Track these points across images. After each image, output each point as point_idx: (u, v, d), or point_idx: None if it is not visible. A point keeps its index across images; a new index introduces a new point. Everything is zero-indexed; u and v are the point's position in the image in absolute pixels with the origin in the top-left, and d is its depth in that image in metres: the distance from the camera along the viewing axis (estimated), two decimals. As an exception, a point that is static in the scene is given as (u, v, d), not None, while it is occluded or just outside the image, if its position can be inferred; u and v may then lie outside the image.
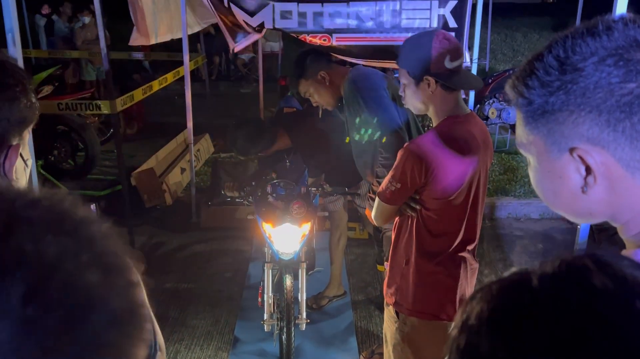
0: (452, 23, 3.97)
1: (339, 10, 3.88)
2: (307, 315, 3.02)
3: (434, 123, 1.96)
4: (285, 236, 2.81)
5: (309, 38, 3.91)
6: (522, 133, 0.81)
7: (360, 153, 2.87)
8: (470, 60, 4.20)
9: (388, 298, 2.12)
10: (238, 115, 7.47)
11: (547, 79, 0.74)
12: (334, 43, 3.91)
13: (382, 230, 3.07)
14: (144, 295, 0.45)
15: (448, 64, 1.86)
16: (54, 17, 10.71)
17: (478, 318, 0.48)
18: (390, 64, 4.02)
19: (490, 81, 7.04)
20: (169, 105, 8.13)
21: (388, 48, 3.67)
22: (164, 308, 3.62)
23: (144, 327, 0.44)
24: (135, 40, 4.69)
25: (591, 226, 3.96)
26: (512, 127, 7.13)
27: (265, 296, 2.97)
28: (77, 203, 0.45)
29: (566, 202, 0.81)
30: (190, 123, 4.98)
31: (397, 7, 3.92)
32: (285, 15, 3.88)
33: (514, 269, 0.51)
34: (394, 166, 1.92)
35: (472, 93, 4.49)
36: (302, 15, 3.87)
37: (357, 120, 2.77)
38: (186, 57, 4.84)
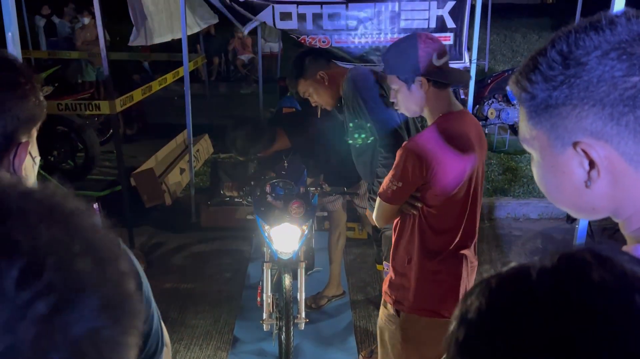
0: (451, 23, 3.98)
1: (338, 12, 3.89)
2: (306, 315, 3.02)
3: (429, 122, 1.98)
4: (284, 235, 2.82)
5: (308, 40, 3.92)
6: (525, 128, 0.81)
7: (360, 153, 2.87)
8: (470, 61, 4.21)
9: (387, 297, 2.12)
10: (237, 115, 7.47)
11: (551, 74, 0.74)
12: (334, 44, 3.92)
13: (381, 229, 3.08)
14: (135, 285, 0.46)
15: (436, 62, 1.90)
16: (54, 17, 10.72)
17: (477, 312, 0.48)
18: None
19: (489, 81, 7.04)
20: (169, 106, 8.13)
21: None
22: (163, 308, 3.62)
23: (135, 315, 0.45)
24: (135, 40, 4.69)
25: (589, 225, 3.97)
26: (511, 128, 7.14)
27: (265, 295, 2.97)
28: (68, 196, 0.46)
29: (569, 197, 0.80)
30: (189, 124, 4.99)
31: (396, 8, 3.93)
32: (285, 16, 3.89)
33: (513, 263, 0.51)
34: (394, 165, 1.93)
35: (471, 94, 4.49)
36: (301, 17, 3.88)
37: (357, 119, 2.77)
38: (186, 58, 4.85)
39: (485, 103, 6.92)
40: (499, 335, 0.46)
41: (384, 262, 3.07)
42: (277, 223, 2.80)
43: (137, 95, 4.50)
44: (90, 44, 8.90)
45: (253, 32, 7.12)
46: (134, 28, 4.60)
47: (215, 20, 6.71)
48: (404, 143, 1.94)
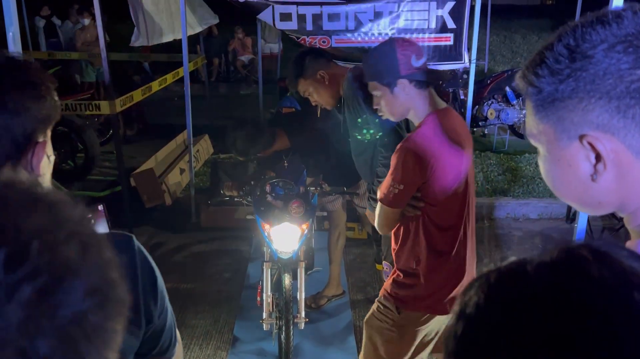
0: (451, 24, 3.99)
1: (338, 13, 3.89)
2: (305, 314, 3.02)
3: (417, 123, 1.99)
4: (284, 235, 2.82)
5: (308, 40, 3.93)
6: (532, 122, 0.81)
7: (360, 153, 2.88)
8: (469, 61, 4.21)
9: (389, 295, 2.12)
10: (237, 116, 7.48)
11: (557, 67, 0.74)
12: (334, 45, 3.93)
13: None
14: (119, 274, 0.46)
15: (415, 63, 1.93)
16: (54, 18, 10.72)
17: (475, 306, 0.49)
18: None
19: (489, 82, 7.05)
20: (169, 107, 8.13)
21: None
22: (163, 308, 3.62)
23: (121, 302, 0.45)
24: (137, 41, 4.70)
25: (589, 225, 3.97)
26: (511, 128, 7.14)
27: (264, 295, 2.98)
28: (51, 188, 0.46)
29: (575, 191, 0.80)
30: (189, 124, 4.99)
31: (396, 9, 3.94)
32: (284, 17, 3.90)
33: (512, 258, 0.51)
34: (391, 169, 1.94)
35: (470, 94, 4.50)
36: (301, 17, 3.89)
37: (357, 119, 2.77)
38: (186, 58, 4.85)
39: (485, 104, 6.92)
40: (497, 330, 0.46)
41: (383, 262, 3.07)
42: (277, 223, 2.80)
43: (137, 95, 4.50)
44: (91, 45, 8.90)
45: (253, 33, 7.13)
46: (135, 28, 4.60)
47: (216, 21, 6.73)
48: (399, 145, 1.95)
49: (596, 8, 0.77)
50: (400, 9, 3.93)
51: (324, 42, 3.93)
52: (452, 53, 4.03)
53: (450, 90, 7.14)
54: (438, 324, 2.09)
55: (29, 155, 0.90)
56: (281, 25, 3.95)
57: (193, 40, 8.82)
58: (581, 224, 2.71)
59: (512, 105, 6.92)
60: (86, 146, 5.77)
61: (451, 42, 4.03)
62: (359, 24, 3.93)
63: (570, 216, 4.95)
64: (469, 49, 4.16)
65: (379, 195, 2.02)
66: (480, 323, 0.48)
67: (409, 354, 2.13)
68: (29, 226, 0.41)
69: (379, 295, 2.20)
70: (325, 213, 3.47)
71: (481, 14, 4.42)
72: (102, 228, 1.93)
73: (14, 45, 2.37)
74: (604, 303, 0.44)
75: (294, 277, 2.99)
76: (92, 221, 0.48)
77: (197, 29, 5.99)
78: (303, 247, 2.96)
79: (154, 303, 0.99)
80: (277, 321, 3.01)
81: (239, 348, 3.33)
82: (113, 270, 0.46)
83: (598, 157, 0.74)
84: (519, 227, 5.06)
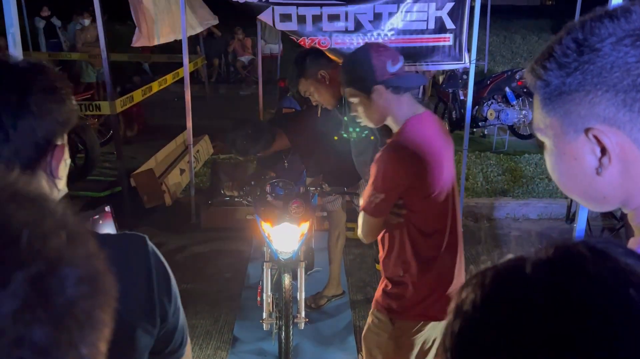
0: (450, 24, 4.00)
1: (338, 13, 3.90)
2: (305, 314, 3.03)
3: (395, 129, 1.96)
4: (284, 235, 2.82)
5: (308, 41, 3.93)
6: (539, 116, 0.82)
7: (360, 153, 2.88)
8: (469, 62, 4.22)
9: (380, 307, 2.10)
10: (237, 117, 7.48)
11: (565, 60, 0.75)
12: (333, 46, 3.93)
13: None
14: (105, 266, 0.47)
15: (391, 69, 1.90)
16: (54, 19, 10.73)
17: (472, 304, 0.49)
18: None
19: (488, 82, 7.06)
20: (169, 107, 8.13)
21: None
22: (163, 308, 3.63)
23: (109, 293, 0.46)
24: (138, 41, 4.70)
25: (588, 225, 3.98)
26: (511, 128, 7.15)
27: (264, 295, 2.98)
28: (30, 184, 0.47)
29: (581, 185, 0.80)
30: (189, 125, 4.99)
31: (395, 10, 3.94)
32: (284, 18, 3.91)
33: (509, 256, 0.51)
34: (372, 178, 1.92)
35: (470, 95, 4.50)
36: (301, 18, 3.90)
37: (357, 118, 2.77)
38: (186, 59, 4.85)
39: (485, 104, 6.93)
40: (494, 327, 0.46)
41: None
42: (277, 223, 2.81)
43: (137, 96, 4.51)
44: (91, 45, 8.91)
45: (253, 34, 7.14)
46: (137, 29, 4.61)
47: (216, 21, 6.73)
48: (378, 154, 1.92)
49: (595, 8, 0.77)
50: (400, 10, 3.94)
51: (323, 42, 3.93)
52: (451, 53, 4.04)
53: (450, 90, 7.15)
54: (434, 330, 2.07)
55: (48, 157, 0.92)
56: (281, 26, 3.96)
57: (193, 40, 8.84)
58: (580, 224, 2.71)
59: (511, 106, 6.92)
60: (86, 146, 5.77)
61: (450, 43, 4.04)
62: (358, 25, 3.93)
63: (570, 216, 4.96)
64: (469, 49, 4.17)
65: (361, 204, 2.00)
66: (479, 321, 0.48)
67: None
68: (17, 218, 0.41)
69: (372, 307, 2.18)
70: (325, 214, 3.48)
71: (481, 15, 4.42)
72: (109, 228, 1.92)
73: (14, 45, 2.37)
74: (603, 302, 0.44)
75: (294, 277, 2.99)
76: (100, 222, 0.48)
77: (197, 29, 6.00)
78: (303, 247, 2.97)
79: (168, 302, 1.01)
80: (277, 321, 3.02)
81: (239, 348, 3.33)
82: (100, 261, 0.46)
83: (603, 151, 0.75)
84: (518, 227, 5.07)
